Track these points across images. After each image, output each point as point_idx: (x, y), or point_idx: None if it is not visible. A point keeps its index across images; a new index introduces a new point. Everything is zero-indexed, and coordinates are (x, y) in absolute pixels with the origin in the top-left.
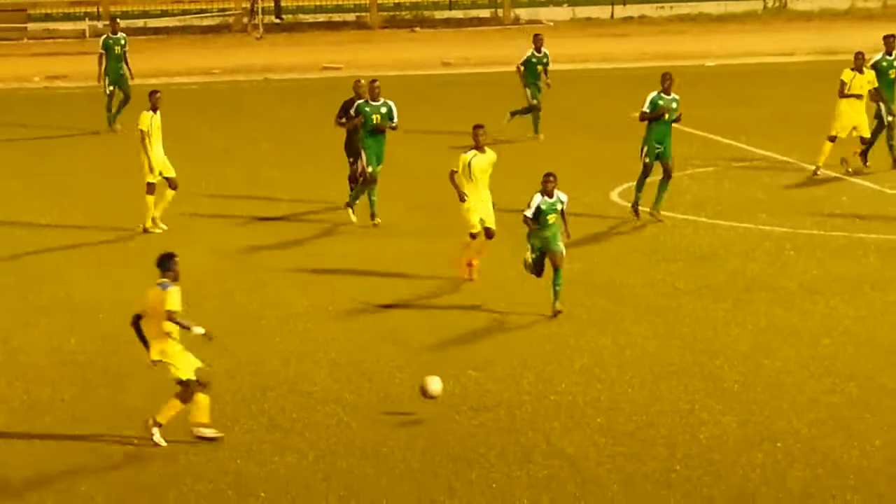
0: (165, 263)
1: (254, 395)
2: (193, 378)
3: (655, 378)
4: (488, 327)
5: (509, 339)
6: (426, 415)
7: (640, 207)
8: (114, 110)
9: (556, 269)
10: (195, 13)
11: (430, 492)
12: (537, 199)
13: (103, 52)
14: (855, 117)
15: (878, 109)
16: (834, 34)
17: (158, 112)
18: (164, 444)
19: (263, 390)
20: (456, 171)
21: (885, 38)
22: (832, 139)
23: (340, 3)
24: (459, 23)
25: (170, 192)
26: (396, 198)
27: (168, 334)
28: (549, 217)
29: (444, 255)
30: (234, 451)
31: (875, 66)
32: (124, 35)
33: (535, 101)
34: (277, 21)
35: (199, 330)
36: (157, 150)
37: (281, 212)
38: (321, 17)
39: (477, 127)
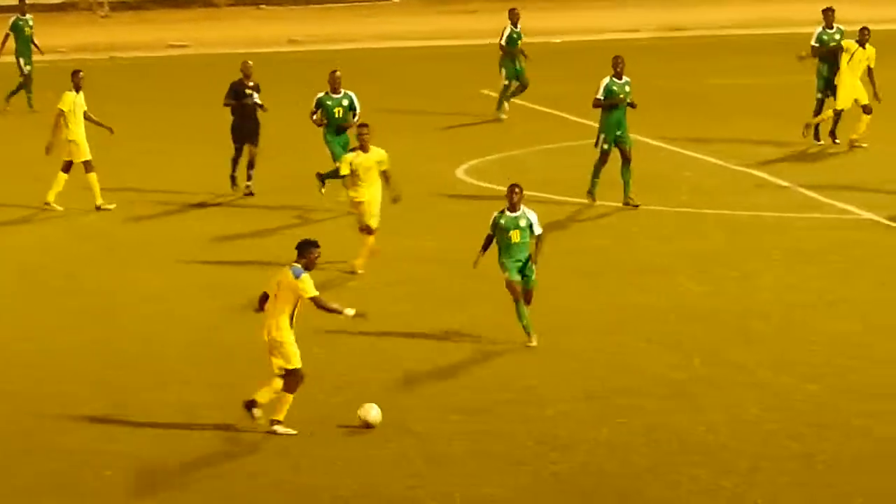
0: (304, 250)
1: (105, 374)
2: (300, 366)
3: (501, 354)
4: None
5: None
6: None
7: (594, 194)
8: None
9: (518, 301)
10: None
11: (277, 470)
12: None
13: (11, 32)
14: (855, 89)
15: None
16: (679, 10)
17: (81, 92)
18: (293, 432)
19: (115, 368)
20: (346, 175)
21: (824, 11)
22: (838, 112)
23: None
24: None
25: (92, 176)
26: (262, 175)
27: (290, 320)
28: (510, 234)
29: (304, 235)
30: (84, 431)
31: (817, 40)
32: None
33: (518, 81)
34: None
35: (350, 312)
36: (80, 131)
37: (140, 190)
38: None
39: (361, 126)
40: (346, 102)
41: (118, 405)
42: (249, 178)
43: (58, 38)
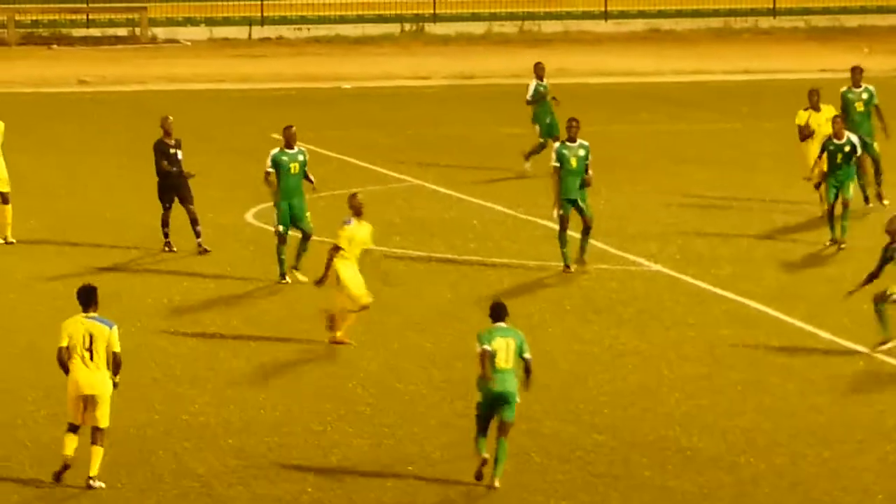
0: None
1: None
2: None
3: (288, 399)
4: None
5: (141, 358)
6: (55, 434)
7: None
8: None
9: (499, 439)
10: None
11: None
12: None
13: None
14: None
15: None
16: (471, 59)
17: (1, 122)
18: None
19: None
20: (340, 248)
21: (853, 69)
22: (818, 186)
23: None
24: (97, 41)
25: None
26: (27, 215)
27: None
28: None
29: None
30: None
31: (842, 98)
32: None
33: (550, 137)
34: None
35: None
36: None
37: None
38: None
39: (352, 197)
40: (301, 158)
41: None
42: (198, 234)
43: None
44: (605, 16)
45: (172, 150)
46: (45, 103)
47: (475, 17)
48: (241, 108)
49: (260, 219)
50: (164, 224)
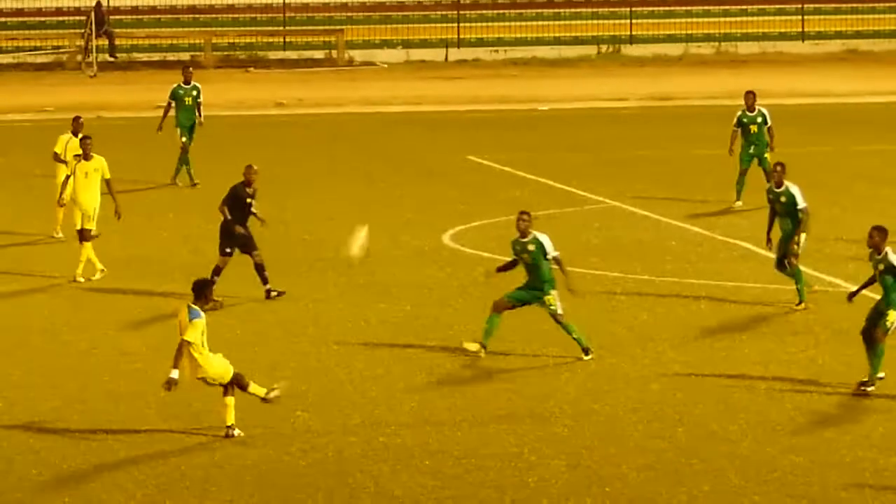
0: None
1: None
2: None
3: (484, 422)
4: (310, 367)
5: (338, 380)
6: (254, 456)
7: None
8: None
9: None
10: (29, 50)
11: None
12: None
13: None
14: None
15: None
16: (667, 80)
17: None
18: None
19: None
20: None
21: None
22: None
23: (175, 42)
24: (294, 63)
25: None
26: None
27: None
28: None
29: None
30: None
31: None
32: None
33: (745, 167)
34: (112, 59)
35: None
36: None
37: (120, 255)
38: (156, 57)
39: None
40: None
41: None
42: (265, 281)
43: (44, 98)
44: (802, 36)
45: (249, 200)
46: (243, 125)
47: (671, 39)
48: (437, 130)
49: (457, 240)
50: (215, 272)
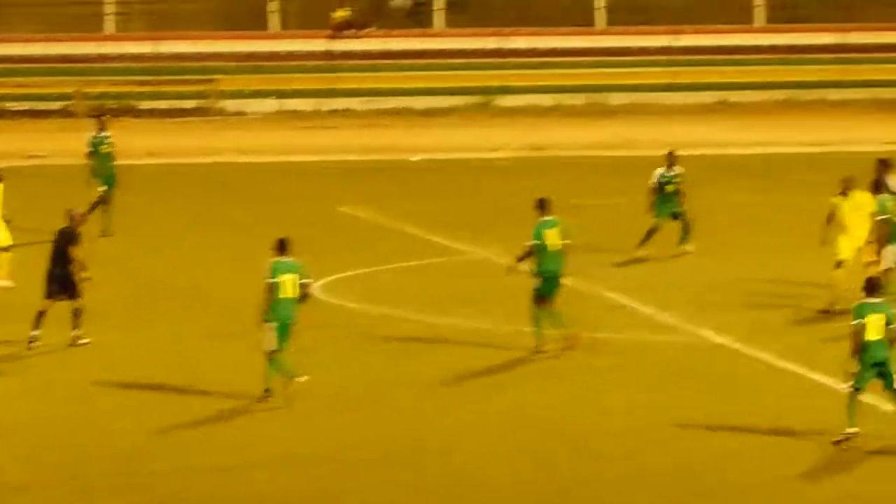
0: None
1: None
2: None
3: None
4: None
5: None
6: None
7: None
8: None
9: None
10: None
11: None
12: None
13: None
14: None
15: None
16: (539, 130)
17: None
18: None
19: None
20: None
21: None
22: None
23: (46, 91)
24: (166, 113)
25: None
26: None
27: None
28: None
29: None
30: None
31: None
32: None
33: (656, 223)
34: None
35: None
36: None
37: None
38: (26, 105)
39: None
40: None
41: None
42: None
43: None
44: (673, 87)
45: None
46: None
47: (543, 90)
48: (309, 180)
49: (327, 292)
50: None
